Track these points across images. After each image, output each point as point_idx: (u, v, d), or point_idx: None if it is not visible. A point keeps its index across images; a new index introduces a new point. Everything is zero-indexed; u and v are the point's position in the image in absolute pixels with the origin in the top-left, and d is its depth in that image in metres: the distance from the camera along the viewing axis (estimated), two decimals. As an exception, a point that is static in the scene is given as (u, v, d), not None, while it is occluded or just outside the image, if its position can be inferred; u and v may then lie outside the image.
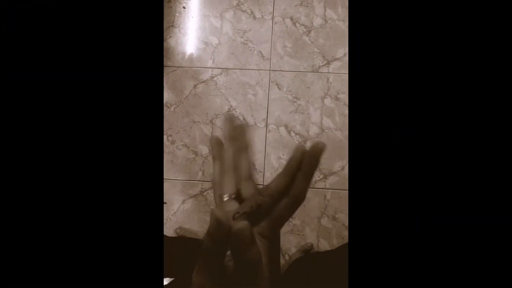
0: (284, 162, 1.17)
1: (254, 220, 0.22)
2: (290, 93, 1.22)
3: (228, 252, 0.21)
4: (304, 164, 0.22)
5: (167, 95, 1.24)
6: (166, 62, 1.27)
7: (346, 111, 1.21)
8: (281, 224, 0.23)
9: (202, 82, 1.25)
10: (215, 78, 1.25)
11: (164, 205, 1.17)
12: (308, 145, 0.21)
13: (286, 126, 1.20)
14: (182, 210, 1.17)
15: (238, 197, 0.24)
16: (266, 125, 1.20)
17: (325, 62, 1.24)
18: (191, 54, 1.28)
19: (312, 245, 1.12)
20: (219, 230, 0.19)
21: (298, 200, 0.22)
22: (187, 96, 1.24)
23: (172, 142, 1.21)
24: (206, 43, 1.28)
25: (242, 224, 0.19)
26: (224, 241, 0.20)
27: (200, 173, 1.19)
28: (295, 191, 0.22)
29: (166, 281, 0.60)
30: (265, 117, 1.21)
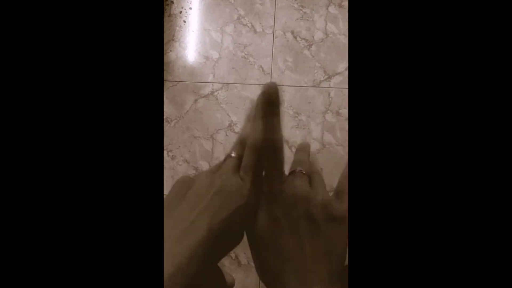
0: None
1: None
2: (291, 108, 1.22)
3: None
4: (264, 111, 0.23)
5: (168, 110, 1.23)
6: (166, 76, 1.26)
7: (347, 126, 1.21)
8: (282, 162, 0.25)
9: (203, 97, 1.25)
10: (216, 93, 1.24)
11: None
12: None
13: (287, 142, 1.19)
14: (182, 227, 1.17)
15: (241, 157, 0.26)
16: (267, 141, 1.20)
17: (326, 76, 1.24)
18: (192, 69, 1.28)
19: None
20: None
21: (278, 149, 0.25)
22: (187, 111, 1.24)
23: (173, 158, 1.20)
24: (206, 57, 1.28)
25: None
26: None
27: (200, 189, 1.18)
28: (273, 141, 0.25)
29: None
30: (266, 132, 1.20)
